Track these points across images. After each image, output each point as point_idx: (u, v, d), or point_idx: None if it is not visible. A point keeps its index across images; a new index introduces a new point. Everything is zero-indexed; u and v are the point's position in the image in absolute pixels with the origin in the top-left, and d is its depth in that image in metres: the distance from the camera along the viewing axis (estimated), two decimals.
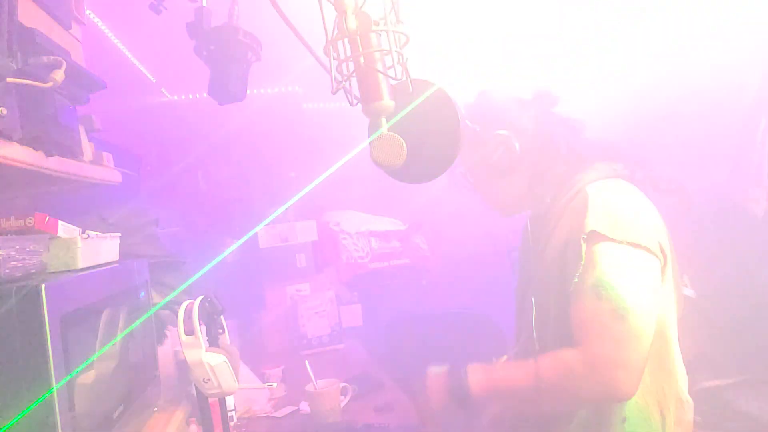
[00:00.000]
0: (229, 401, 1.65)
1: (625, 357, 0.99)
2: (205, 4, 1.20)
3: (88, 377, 0.96)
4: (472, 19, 2.34)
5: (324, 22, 0.80)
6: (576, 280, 1.05)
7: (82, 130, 1.27)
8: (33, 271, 0.95)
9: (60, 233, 1.03)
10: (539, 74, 2.58)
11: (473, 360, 1.20)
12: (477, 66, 2.54)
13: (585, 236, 1.05)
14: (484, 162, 1.24)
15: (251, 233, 2.73)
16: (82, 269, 1.03)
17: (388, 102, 0.81)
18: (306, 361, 1.75)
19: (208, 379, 1.12)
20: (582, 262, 1.04)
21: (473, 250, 3.19)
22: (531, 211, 1.31)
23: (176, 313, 1.14)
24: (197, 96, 3.02)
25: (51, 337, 0.79)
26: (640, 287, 1.03)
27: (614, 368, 0.99)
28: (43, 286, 0.80)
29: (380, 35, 0.81)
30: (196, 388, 1.19)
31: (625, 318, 1.00)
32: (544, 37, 2.48)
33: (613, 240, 1.04)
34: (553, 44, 2.52)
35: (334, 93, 0.84)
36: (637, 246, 1.04)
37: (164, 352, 1.57)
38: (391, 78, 0.82)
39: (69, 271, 1.01)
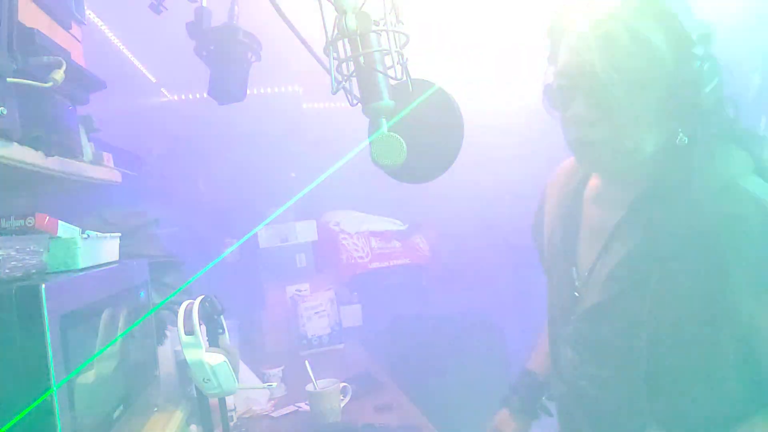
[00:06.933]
0: (229, 401, 1.65)
1: None
2: (205, 4, 1.19)
3: (88, 377, 0.96)
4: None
5: (324, 22, 0.80)
6: None
7: (82, 130, 1.28)
8: (33, 271, 0.95)
9: (60, 233, 1.03)
10: None
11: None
12: None
13: None
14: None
15: (251, 233, 2.73)
16: (82, 269, 1.03)
17: (388, 102, 0.81)
18: (306, 361, 1.75)
19: (208, 379, 1.12)
20: None
21: (473, 250, 3.18)
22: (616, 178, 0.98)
23: (176, 313, 1.14)
24: (197, 96, 3.01)
25: (51, 337, 0.79)
26: None
27: None
28: (43, 286, 0.80)
29: (380, 35, 0.81)
30: (196, 388, 1.19)
31: None
32: None
33: None
34: None
35: (334, 93, 0.84)
36: None
37: (164, 352, 1.57)
38: (391, 78, 0.81)
39: (69, 271, 1.01)
